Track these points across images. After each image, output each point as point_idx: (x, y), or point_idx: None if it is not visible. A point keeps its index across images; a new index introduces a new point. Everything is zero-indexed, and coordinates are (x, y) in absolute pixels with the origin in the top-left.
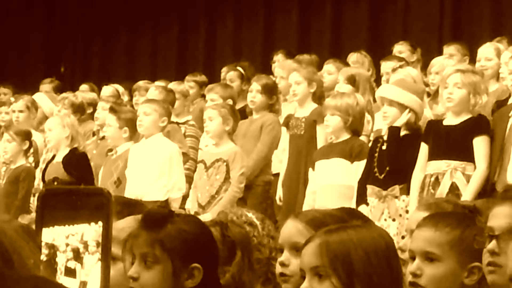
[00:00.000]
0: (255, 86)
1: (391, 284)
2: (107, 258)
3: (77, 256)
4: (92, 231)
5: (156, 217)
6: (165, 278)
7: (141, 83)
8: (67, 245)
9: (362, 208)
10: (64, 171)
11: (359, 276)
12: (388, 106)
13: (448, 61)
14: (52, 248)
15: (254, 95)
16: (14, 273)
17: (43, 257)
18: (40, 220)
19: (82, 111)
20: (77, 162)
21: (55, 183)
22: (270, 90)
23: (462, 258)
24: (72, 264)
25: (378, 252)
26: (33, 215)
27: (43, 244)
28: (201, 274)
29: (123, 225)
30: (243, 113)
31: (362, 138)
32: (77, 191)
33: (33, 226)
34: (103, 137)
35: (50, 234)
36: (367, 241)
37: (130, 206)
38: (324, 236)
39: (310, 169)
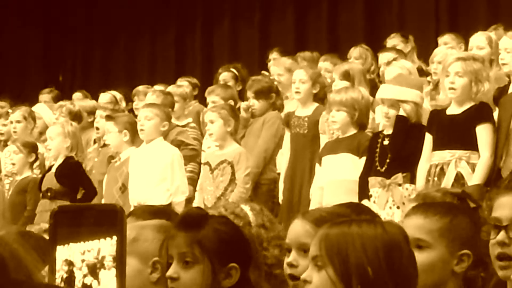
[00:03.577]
0: (250, 93)
1: (391, 280)
2: (122, 273)
3: (93, 271)
4: (108, 246)
5: (194, 218)
6: (204, 278)
7: (140, 87)
8: (83, 261)
9: (364, 203)
10: (56, 181)
11: (354, 268)
12: (389, 108)
13: (451, 51)
14: (69, 265)
15: (253, 103)
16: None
17: (61, 274)
18: (53, 237)
19: (79, 119)
20: (70, 171)
21: (49, 194)
22: (266, 92)
23: (452, 245)
24: (89, 280)
25: (378, 247)
26: (42, 225)
27: (59, 261)
28: (238, 274)
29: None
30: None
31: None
32: (89, 208)
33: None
34: (104, 145)
35: (66, 252)
36: (367, 234)
37: (158, 214)
38: (326, 228)
39: (317, 164)
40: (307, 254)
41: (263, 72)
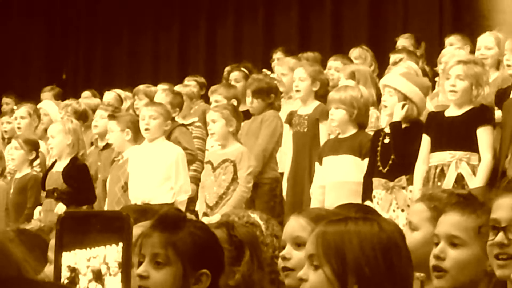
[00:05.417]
0: (248, 92)
1: (388, 279)
2: (127, 278)
3: (98, 277)
4: (114, 252)
5: (172, 219)
6: (174, 280)
7: (141, 87)
8: (88, 267)
9: (367, 204)
10: (63, 182)
11: (351, 267)
12: (388, 95)
13: (459, 52)
14: (73, 271)
15: (251, 101)
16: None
17: (64, 280)
18: (59, 243)
19: (85, 118)
20: (77, 173)
21: (55, 194)
22: (265, 92)
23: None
24: (93, 285)
25: (374, 246)
26: (33, 223)
27: (64, 267)
28: (208, 280)
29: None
30: (248, 114)
31: (370, 133)
32: (96, 215)
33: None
34: (105, 146)
35: (72, 258)
36: (364, 233)
37: (145, 213)
38: (323, 227)
39: (317, 163)
40: (301, 248)
41: (264, 70)
